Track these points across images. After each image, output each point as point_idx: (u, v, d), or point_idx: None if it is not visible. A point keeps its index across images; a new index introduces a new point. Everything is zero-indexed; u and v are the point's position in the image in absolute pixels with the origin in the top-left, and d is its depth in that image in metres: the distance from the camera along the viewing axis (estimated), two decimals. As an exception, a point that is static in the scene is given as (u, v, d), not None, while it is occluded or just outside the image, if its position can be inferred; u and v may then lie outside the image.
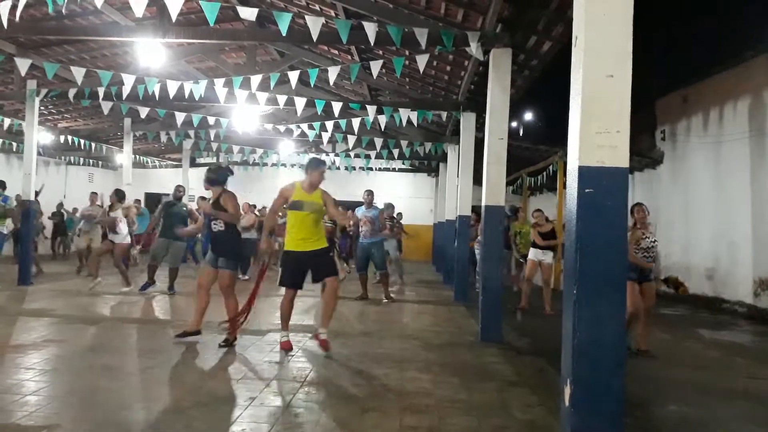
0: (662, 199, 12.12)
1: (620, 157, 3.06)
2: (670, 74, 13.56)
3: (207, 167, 6.25)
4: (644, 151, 12.65)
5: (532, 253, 9.24)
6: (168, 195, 19.31)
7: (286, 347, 5.68)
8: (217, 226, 5.83)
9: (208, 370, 4.95)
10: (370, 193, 9.83)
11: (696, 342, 7.38)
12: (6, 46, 9.28)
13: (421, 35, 6.40)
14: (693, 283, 10.82)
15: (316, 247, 5.63)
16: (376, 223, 9.61)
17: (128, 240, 9.72)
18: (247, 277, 12.16)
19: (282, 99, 9.57)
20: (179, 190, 9.78)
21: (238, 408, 3.89)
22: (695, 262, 10.91)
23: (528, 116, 28.52)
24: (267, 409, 3.90)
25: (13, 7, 5.97)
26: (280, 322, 5.81)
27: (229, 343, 5.74)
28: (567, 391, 3.08)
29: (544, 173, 14.58)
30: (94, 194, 11.80)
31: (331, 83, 8.36)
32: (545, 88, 12.52)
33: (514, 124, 26.67)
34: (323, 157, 17.80)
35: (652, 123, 12.67)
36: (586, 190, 3.06)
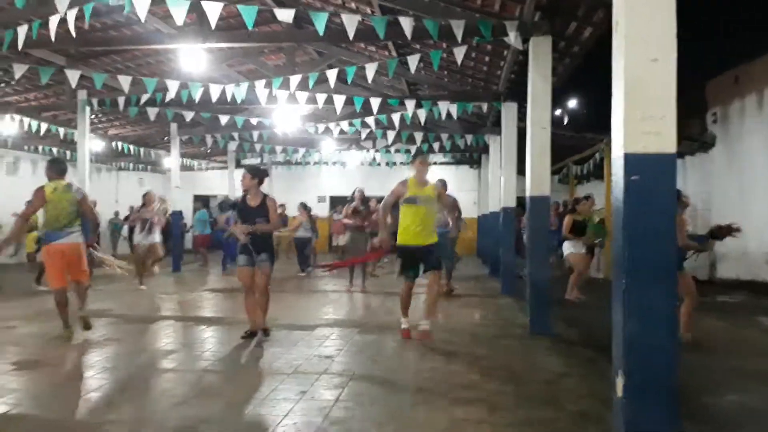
0: (716, 184, 11.70)
1: (667, 143, 2.98)
2: (720, 54, 13.05)
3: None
4: (695, 135, 12.23)
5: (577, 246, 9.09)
6: (216, 197, 19.82)
7: (405, 335, 5.93)
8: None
9: (260, 366, 5.06)
10: (443, 183, 9.78)
11: (755, 329, 7.11)
12: (57, 59, 9.67)
13: (458, 27, 6.35)
14: (751, 269, 10.43)
15: (429, 241, 5.86)
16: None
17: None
18: (304, 273, 12.45)
19: (321, 98, 9.66)
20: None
21: (289, 402, 3.97)
22: (752, 248, 10.48)
23: (572, 104, 27.94)
24: (317, 402, 3.96)
25: (63, 21, 6.20)
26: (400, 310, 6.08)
27: (254, 335, 5.86)
28: (619, 382, 3.03)
29: (591, 161, 14.27)
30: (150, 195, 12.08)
31: (369, 80, 8.39)
32: (589, 75, 12.22)
33: (557, 112, 26.19)
34: (364, 153, 17.94)
35: (703, 105, 12.22)
36: (632, 178, 2.99)
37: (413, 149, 16.14)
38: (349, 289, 9.89)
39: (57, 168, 6.16)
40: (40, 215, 6.39)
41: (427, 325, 5.95)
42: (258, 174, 6.09)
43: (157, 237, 10.35)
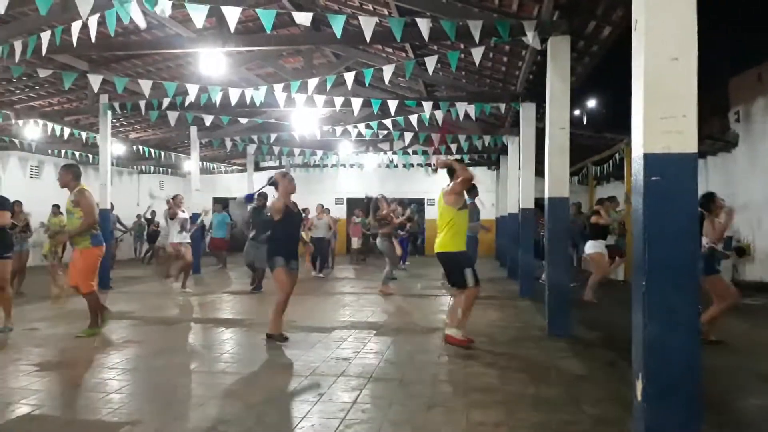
0: (739, 184, 11.50)
1: (688, 143, 2.94)
2: (743, 51, 12.84)
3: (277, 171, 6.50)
4: (717, 134, 12.03)
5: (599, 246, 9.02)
6: (234, 199, 19.97)
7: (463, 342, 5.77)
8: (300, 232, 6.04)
9: (278, 368, 5.08)
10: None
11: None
12: (79, 64, 9.83)
13: (476, 28, 6.33)
14: (775, 271, 10.24)
15: (443, 249, 5.81)
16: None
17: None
18: (322, 275, 12.51)
19: (339, 100, 9.69)
20: (263, 197, 10.19)
21: (307, 404, 3.99)
22: (777, 249, 10.30)
23: (591, 103, 27.66)
24: (335, 404, 3.97)
25: (84, 26, 6.29)
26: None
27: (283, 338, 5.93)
28: (639, 385, 2.98)
29: (610, 161, 14.11)
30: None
31: (386, 82, 8.39)
32: (609, 74, 12.13)
33: (576, 112, 25.94)
34: (381, 155, 17.95)
35: (725, 104, 12.02)
36: (653, 178, 2.95)
37: (431, 151, 16.15)
38: (385, 291, 9.87)
39: (79, 172, 6.32)
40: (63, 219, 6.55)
41: (451, 331, 5.85)
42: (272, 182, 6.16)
43: (188, 239, 10.62)
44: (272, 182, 6.10)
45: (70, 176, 6.31)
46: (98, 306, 6.33)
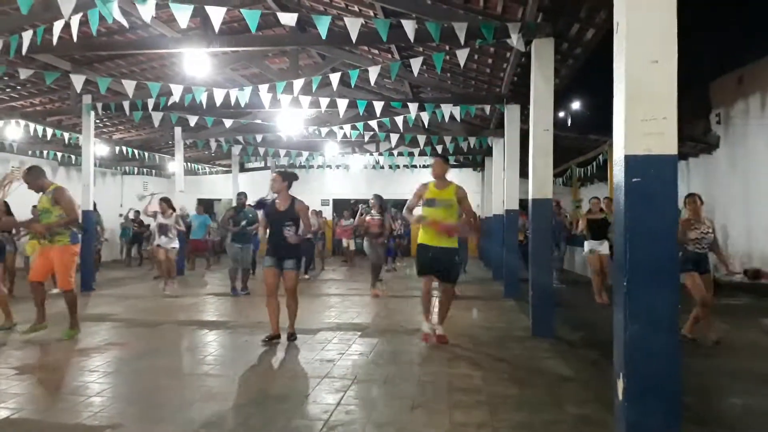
0: (720, 185, 11.65)
1: (668, 144, 2.97)
2: (724, 54, 13.00)
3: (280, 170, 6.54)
4: (698, 136, 12.18)
5: (587, 245, 9.08)
6: (220, 200, 19.85)
7: (425, 339, 5.93)
8: (290, 231, 5.92)
9: (262, 369, 5.06)
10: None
11: (759, 332, 7.08)
12: (62, 64, 9.71)
13: (461, 29, 6.36)
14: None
15: (446, 245, 5.82)
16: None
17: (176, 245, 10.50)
18: (308, 277, 12.46)
19: (324, 101, 9.67)
20: (242, 197, 10.15)
21: (291, 405, 3.97)
22: (758, 250, 10.44)
23: (576, 105, 27.87)
24: (319, 406, 3.96)
25: (67, 26, 6.23)
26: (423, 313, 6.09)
27: (273, 340, 5.94)
28: (620, 385, 3.01)
29: (594, 163, 14.23)
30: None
31: (372, 83, 8.39)
32: (593, 76, 12.20)
33: (561, 114, 26.11)
34: (367, 156, 17.97)
35: (706, 106, 12.18)
36: (634, 180, 2.98)
37: (416, 152, 16.19)
38: (375, 293, 9.86)
39: (43, 171, 6.37)
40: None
41: (441, 329, 5.97)
42: (288, 177, 6.16)
43: (176, 243, 10.56)
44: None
45: (34, 177, 6.23)
46: (76, 305, 6.31)
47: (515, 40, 6.38)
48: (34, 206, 6.77)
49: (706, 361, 5.24)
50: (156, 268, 11.70)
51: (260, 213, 6.49)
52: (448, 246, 5.84)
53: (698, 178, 12.59)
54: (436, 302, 6.42)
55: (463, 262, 9.92)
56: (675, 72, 2.99)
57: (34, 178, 6.25)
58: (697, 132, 12.17)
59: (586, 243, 9.31)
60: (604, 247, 9.00)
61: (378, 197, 10.52)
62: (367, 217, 10.32)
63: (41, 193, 6.26)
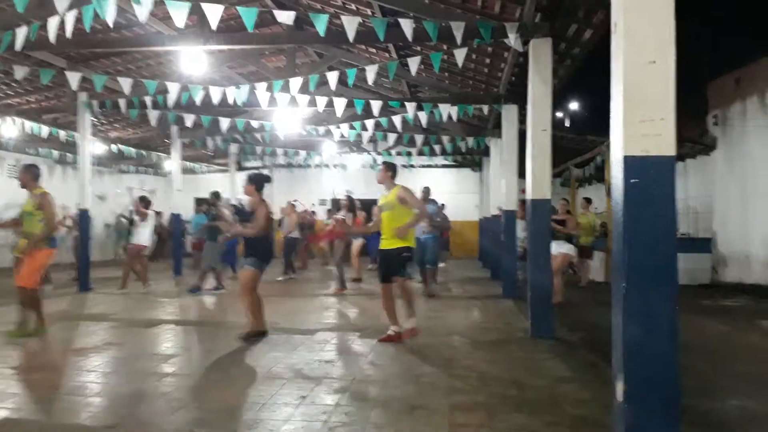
0: (717, 186, 11.68)
1: (666, 146, 2.96)
2: (721, 56, 13.03)
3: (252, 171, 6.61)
4: (695, 137, 12.20)
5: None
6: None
7: (401, 338, 5.99)
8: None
9: (260, 370, 5.04)
10: (426, 190, 10.22)
11: (757, 333, 7.07)
12: (57, 61, 9.66)
13: (458, 29, 6.35)
14: (753, 273, 10.39)
15: (389, 246, 6.01)
16: (435, 219, 9.84)
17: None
18: (294, 275, 12.40)
19: (322, 100, 9.65)
20: (215, 196, 10.41)
21: (290, 407, 3.96)
22: (755, 251, 10.46)
23: (574, 106, 27.89)
24: (318, 407, 3.95)
25: (62, 23, 6.20)
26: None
27: (249, 337, 6.05)
28: (619, 386, 3.00)
29: (592, 164, 14.23)
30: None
31: (370, 82, 8.38)
32: (591, 76, 12.20)
33: (559, 114, 26.13)
34: (365, 156, 17.96)
35: (704, 107, 12.21)
36: (632, 181, 2.97)
37: (414, 152, 16.18)
38: (339, 291, 10.10)
39: (38, 173, 6.40)
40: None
41: (412, 322, 6.05)
42: (253, 179, 6.34)
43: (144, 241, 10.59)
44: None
45: (29, 176, 6.27)
46: (39, 305, 6.30)
47: (513, 40, 6.37)
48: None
49: (706, 363, 5.24)
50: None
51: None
52: (389, 247, 6.01)
53: (696, 179, 12.62)
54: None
55: (436, 258, 10.14)
56: (673, 73, 2.98)
57: (30, 176, 6.28)
58: (694, 133, 12.19)
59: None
60: (563, 248, 8.96)
61: (348, 197, 10.74)
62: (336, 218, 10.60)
63: (28, 193, 6.29)
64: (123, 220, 17.15)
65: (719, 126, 11.71)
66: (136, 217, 10.59)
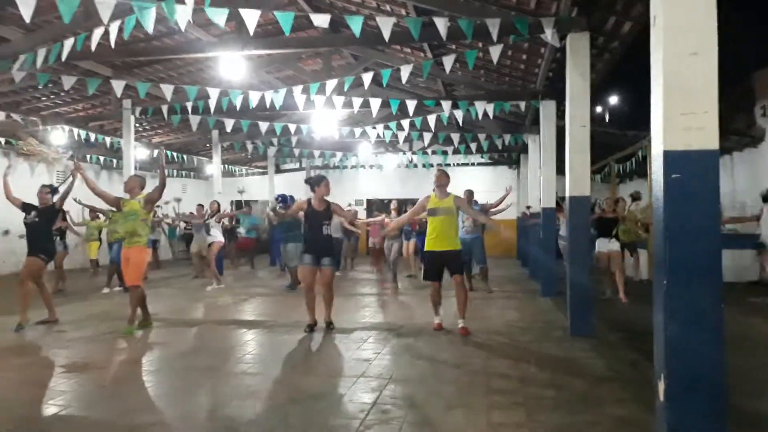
0: (766, 178, 11.27)
1: (709, 139, 2.88)
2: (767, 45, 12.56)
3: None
4: (742, 129, 11.81)
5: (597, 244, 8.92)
6: (257, 201, 20.17)
7: (437, 327, 6.57)
8: (328, 230, 6.69)
9: (300, 368, 5.11)
10: (470, 192, 10.28)
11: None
12: (103, 70, 9.99)
13: (493, 26, 6.30)
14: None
15: (450, 247, 6.40)
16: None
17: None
18: (339, 273, 12.57)
19: (357, 101, 9.71)
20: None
21: (328, 404, 4.01)
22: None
23: (614, 100, 27.28)
24: (356, 405, 3.98)
25: (106, 33, 6.40)
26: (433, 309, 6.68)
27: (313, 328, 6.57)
28: (661, 386, 2.94)
29: (633, 159, 13.93)
30: (200, 206, 12.50)
31: (404, 82, 8.39)
32: (631, 70, 11.93)
33: (598, 109, 25.58)
34: (401, 156, 17.98)
35: (750, 98, 11.79)
36: (673, 176, 2.91)
37: (450, 150, 16.11)
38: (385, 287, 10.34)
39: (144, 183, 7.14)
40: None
41: (463, 322, 6.41)
42: (310, 181, 6.93)
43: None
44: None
45: (138, 185, 6.99)
46: (144, 302, 6.89)
47: (549, 35, 6.29)
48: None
49: (753, 362, 5.07)
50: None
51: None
52: (450, 249, 6.41)
53: (743, 172, 12.21)
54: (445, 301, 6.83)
55: (481, 260, 10.13)
56: (716, 64, 2.90)
57: (138, 185, 6.99)
58: (740, 125, 11.79)
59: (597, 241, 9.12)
60: (614, 246, 8.84)
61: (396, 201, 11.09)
62: (385, 218, 10.79)
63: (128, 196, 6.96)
64: (168, 222, 17.58)
65: (767, 117, 11.30)
66: (198, 221, 11.62)
